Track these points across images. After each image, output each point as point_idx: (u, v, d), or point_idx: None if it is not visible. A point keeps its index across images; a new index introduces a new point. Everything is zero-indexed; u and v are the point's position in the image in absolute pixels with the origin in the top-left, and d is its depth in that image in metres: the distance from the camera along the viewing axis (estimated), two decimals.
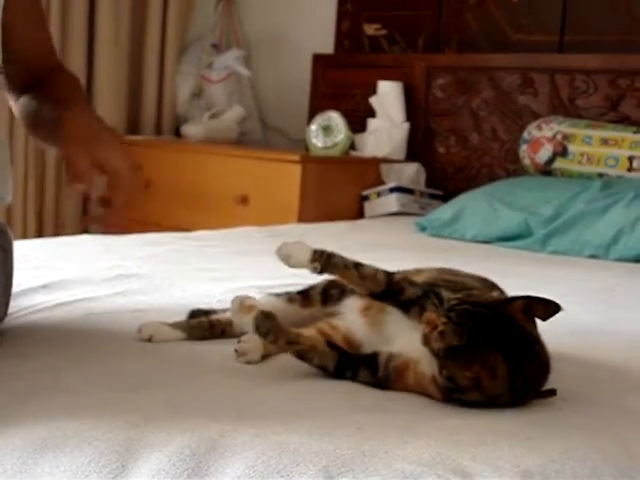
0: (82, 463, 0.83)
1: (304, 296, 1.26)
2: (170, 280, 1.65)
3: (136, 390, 1.02)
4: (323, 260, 1.12)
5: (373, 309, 1.14)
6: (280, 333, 1.06)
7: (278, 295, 1.28)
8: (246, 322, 1.09)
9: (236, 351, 1.13)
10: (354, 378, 1.06)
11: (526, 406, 1.01)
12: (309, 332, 1.15)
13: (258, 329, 1.06)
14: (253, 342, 1.14)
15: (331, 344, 1.08)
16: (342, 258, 1.13)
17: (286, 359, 1.15)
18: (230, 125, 3.44)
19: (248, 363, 1.13)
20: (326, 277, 1.29)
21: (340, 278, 1.15)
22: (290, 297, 1.27)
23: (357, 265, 1.12)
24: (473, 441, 0.91)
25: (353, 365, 1.07)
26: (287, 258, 1.13)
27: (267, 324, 1.06)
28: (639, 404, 1.09)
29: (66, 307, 1.41)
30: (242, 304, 1.14)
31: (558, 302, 1.00)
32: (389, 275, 1.11)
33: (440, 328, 0.99)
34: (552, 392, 1.03)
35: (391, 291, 1.10)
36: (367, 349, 1.11)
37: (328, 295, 1.25)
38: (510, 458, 0.86)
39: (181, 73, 3.55)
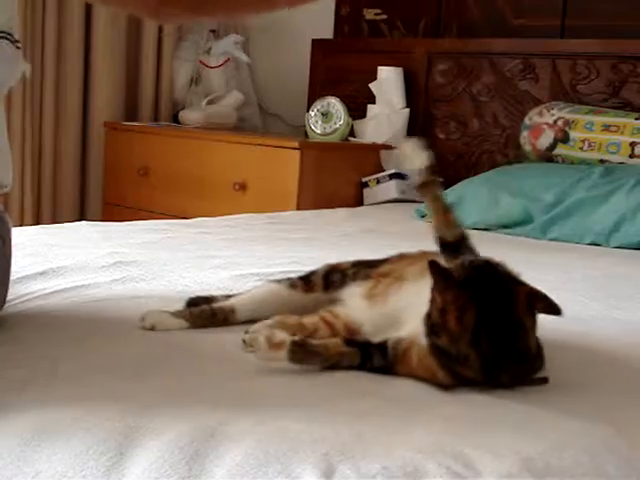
0: (80, 451, 0.82)
1: (306, 282, 1.26)
2: (169, 267, 1.64)
3: (135, 378, 1.01)
4: (428, 178, 1.16)
5: (377, 292, 1.14)
6: (315, 358, 1.05)
7: (279, 281, 1.28)
8: (278, 358, 1.06)
9: (244, 342, 1.12)
10: (372, 366, 1.06)
11: (524, 393, 1.01)
12: (312, 320, 1.14)
13: (294, 362, 1.04)
14: (260, 332, 1.13)
15: (349, 341, 1.08)
16: (442, 191, 1.16)
17: None
18: (228, 111, 3.43)
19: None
20: (327, 262, 1.28)
21: (428, 204, 1.16)
22: (292, 283, 1.26)
23: (448, 206, 1.14)
24: (473, 428, 0.90)
25: (370, 354, 1.06)
26: (404, 159, 1.16)
27: (301, 356, 1.04)
28: (635, 392, 1.09)
29: (64, 294, 1.40)
30: (270, 342, 1.08)
31: (561, 308, 1.01)
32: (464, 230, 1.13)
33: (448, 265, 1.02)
34: (543, 380, 1.02)
35: (456, 245, 1.11)
36: (372, 334, 1.10)
37: (330, 281, 1.24)
38: (511, 445, 0.86)
39: (179, 59, 3.53)
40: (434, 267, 1.00)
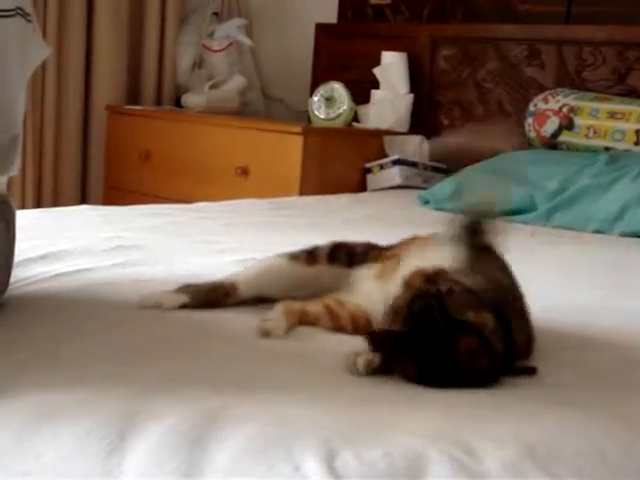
0: (81, 434, 0.82)
1: (309, 254, 1.24)
2: (171, 251, 1.63)
3: (137, 361, 1.01)
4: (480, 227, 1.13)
5: (389, 273, 1.13)
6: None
7: (281, 255, 1.26)
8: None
9: (260, 329, 1.11)
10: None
11: (525, 382, 1.00)
12: (315, 308, 1.13)
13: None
14: (277, 319, 1.12)
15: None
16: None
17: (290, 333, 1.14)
18: (231, 95, 3.41)
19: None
20: (333, 240, 1.27)
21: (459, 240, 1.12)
22: (294, 255, 1.25)
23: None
24: (475, 415, 0.90)
25: None
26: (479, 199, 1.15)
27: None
28: (638, 379, 1.08)
29: (65, 278, 1.40)
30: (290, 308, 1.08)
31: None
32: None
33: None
34: (531, 370, 1.01)
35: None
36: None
37: (335, 255, 1.23)
38: (512, 432, 0.86)
39: (182, 42, 3.51)
40: (371, 338, 0.99)
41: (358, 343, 1.03)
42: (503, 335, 0.98)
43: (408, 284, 1.01)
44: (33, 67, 1.23)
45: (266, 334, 1.10)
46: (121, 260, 1.53)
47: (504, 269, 1.13)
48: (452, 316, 0.97)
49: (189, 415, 0.84)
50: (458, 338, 0.96)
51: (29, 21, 1.17)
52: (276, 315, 1.12)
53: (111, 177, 3.37)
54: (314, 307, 1.13)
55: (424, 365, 0.97)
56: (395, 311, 1.00)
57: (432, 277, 1.01)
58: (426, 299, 0.98)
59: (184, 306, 1.22)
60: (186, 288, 1.24)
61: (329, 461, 0.78)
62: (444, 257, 1.06)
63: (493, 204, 1.17)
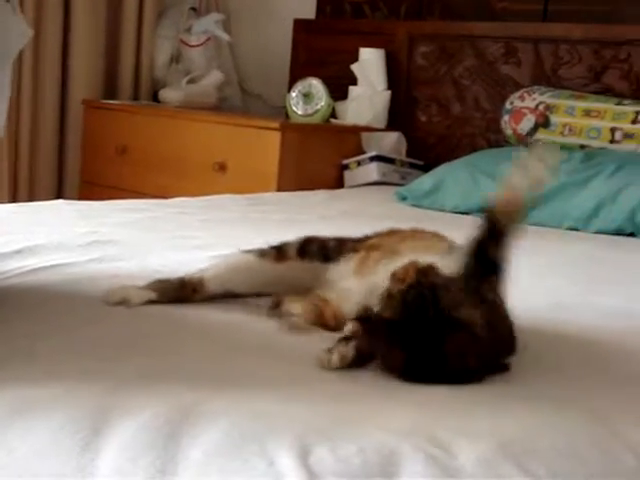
0: (55, 429, 0.82)
1: (278, 250, 1.24)
2: (147, 247, 1.63)
3: (112, 357, 1.01)
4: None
5: (367, 267, 1.12)
6: None
7: (249, 251, 1.25)
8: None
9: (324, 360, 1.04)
10: None
11: (500, 379, 1.01)
12: (305, 306, 1.13)
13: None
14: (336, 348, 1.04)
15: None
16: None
17: (262, 328, 1.14)
18: (209, 90, 3.40)
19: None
20: (304, 234, 1.27)
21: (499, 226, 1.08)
22: (262, 252, 1.24)
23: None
24: (449, 412, 0.91)
25: None
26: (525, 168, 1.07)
27: None
28: (612, 375, 1.10)
29: (41, 273, 1.39)
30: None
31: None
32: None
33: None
34: (504, 367, 1.02)
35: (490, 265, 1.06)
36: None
37: (305, 250, 1.22)
38: (487, 428, 0.86)
39: (160, 37, 3.49)
40: (361, 322, 0.98)
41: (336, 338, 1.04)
42: (492, 334, 0.99)
43: (398, 276, 1.00)
44: (16, 50, 1.21)
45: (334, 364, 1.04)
46: (97, 255, 1.53)
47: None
48: (444, 310, 0.97)
49: (163, 410, 0.84)
50: (449, 335, 0.96)
51: (7, 0, 1.16)
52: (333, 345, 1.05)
53: (87, 172, 3.35)
54: (305, 305, 1.13)
55: (412, 356, 0.96)
56: (388, 299, 1.00)
57: (425, 271, 1.01)
58: (420, 289, 0.98)
59: (151, 302, 1.21)
60: (154, 284, 1.23)
61: (303, 457, 0.78)
62: (445, 264, 1.04)
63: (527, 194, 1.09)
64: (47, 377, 0.92)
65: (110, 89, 3.46)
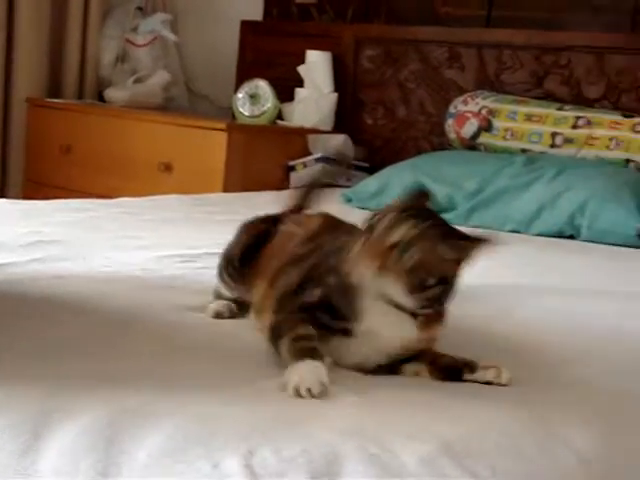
0: None
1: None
2: (91, 247, 1.61)
3: (56, 359, 1.00)
4: None
5: (263, 306, 1.14)
6: None
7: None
8: None
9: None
10: None
11: (442, 382, 1.02)
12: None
13: None
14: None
15: None
16: None
17: (210, 330, 1.14)
18: (155, 90, 3.38)
19: None
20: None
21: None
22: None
23: None
24: (393, 412, 0.91)
25: None
26: None
27: None
28: (554, 376, 1.11)
29: None
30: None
31: None
32: None
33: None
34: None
35: None
36: None
37: (230, 274, 1.25)
38: (430, 429, 0.87)
39: (105, 36, 3.46)
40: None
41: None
42: None
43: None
44: None
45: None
46: (40, 255, 1.51)
47: None
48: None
49: (105, 413, 0.84)
50: None
51: None
52: None
53: (31, 171, 3.30)
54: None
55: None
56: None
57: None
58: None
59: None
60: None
61: (247, 458, 0.78)
62: None
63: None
64: None
65: (55, 87, 3.41)
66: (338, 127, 3.12)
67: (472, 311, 1.17)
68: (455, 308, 1.07)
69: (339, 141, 3.06)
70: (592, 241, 2.22)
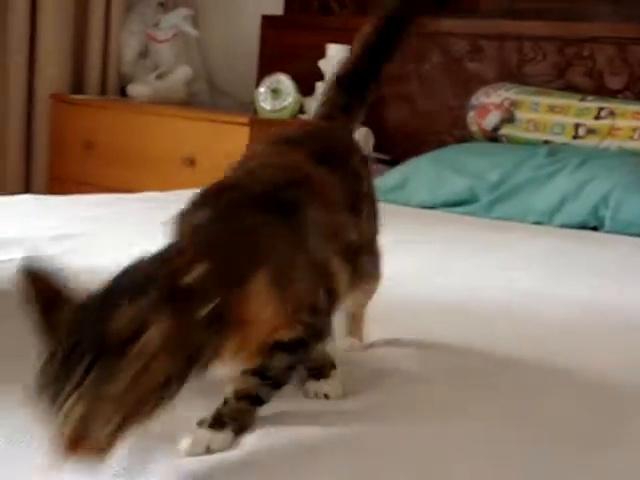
0: None
1: None
2: (115, 241, 1.63)
3: None
4: None
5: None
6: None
7: None
8: None
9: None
10: None
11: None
12: None
13: None
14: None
15: None
16: None
17: None
18: (177, 86, 3.39)
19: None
20: None
21: None
22: None
23: None
24: None
25: None
26: None
27: None
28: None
29: (4, 266, 1.38)
30: None
31: None
32: None
33: None
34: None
35: None
36: None
37: None
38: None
39: (127, 32, 3.48)
40: None
41: None
42: None
43: None
44: None
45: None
46: (66, 248, 1.52)
47: None
48: None
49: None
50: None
51: None
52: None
53: (55, 167, 3.33)
54: None
55: None
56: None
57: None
58: None
59: None
60: None
61: None
62: None
63: None
64: None
65: (77, 84, 3.44)
66: None
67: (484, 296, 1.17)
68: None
69: (360, 134, 3.06)
70: (616, 232, 2.22)
